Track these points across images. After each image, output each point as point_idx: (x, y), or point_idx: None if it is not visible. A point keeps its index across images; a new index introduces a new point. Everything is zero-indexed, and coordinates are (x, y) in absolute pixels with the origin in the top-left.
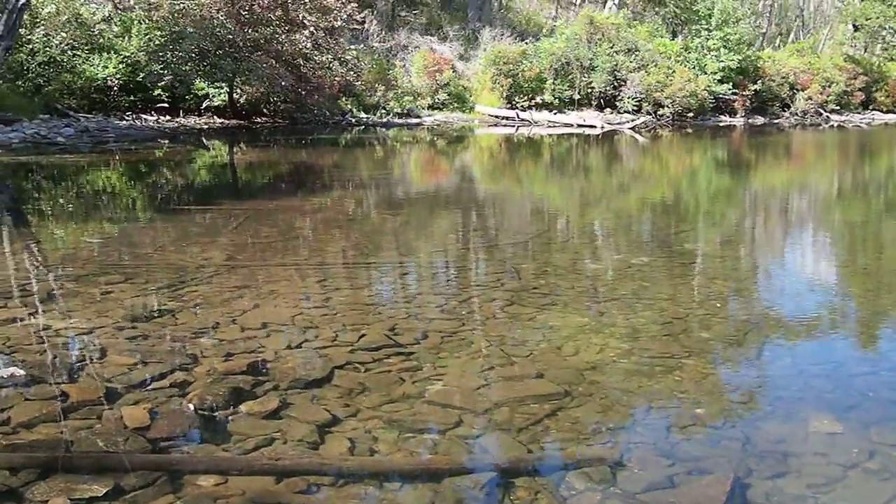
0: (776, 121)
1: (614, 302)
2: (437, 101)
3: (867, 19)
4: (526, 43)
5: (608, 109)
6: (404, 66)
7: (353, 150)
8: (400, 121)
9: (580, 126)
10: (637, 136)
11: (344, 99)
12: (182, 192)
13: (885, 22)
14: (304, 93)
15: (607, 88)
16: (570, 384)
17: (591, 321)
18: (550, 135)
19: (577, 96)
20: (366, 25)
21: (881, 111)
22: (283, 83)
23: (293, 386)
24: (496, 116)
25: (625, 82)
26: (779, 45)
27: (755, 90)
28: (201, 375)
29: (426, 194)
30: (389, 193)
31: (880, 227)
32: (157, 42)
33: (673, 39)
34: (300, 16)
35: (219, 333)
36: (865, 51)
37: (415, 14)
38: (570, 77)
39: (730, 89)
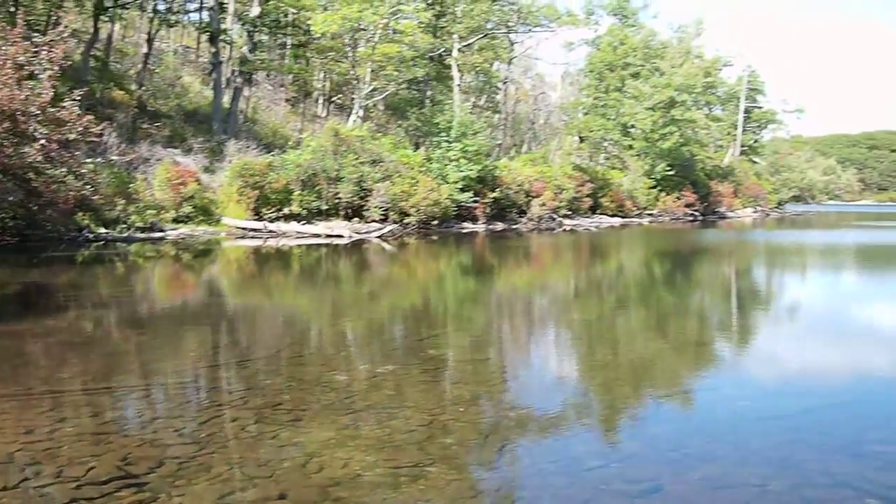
0: (515, 226)
1: (360, 413)
2: (181, 214)
3: (590, 131)
4: (272, 155)
5: (356, 219)
6: (146, 179)
7: (91, 267)
8: (142, 235)
9: (329, 236)
10: (385, 244)
11: (81, 214)
12: None
13: (605, 134)
14: (35, 208)
15: (354, 198)
16: (313, 503)
17: (336, 435)
18: (299, 246)
19: (324, 206)
20: (104, 138)
21: (607, 215)
22: (10, 198)
23: None
24: (244, 228)
25: (371, 192)
26: (514, 156)
27: (494, 198)
28: None
29: (170, 311)
30: (131, 311)
31: (614, 323)
32: None
33: (415, 150)
34: (31, 128)
35: None
36: (591, 160)
37: (157, 126)
38: (318, 188)
39: (471, 197)
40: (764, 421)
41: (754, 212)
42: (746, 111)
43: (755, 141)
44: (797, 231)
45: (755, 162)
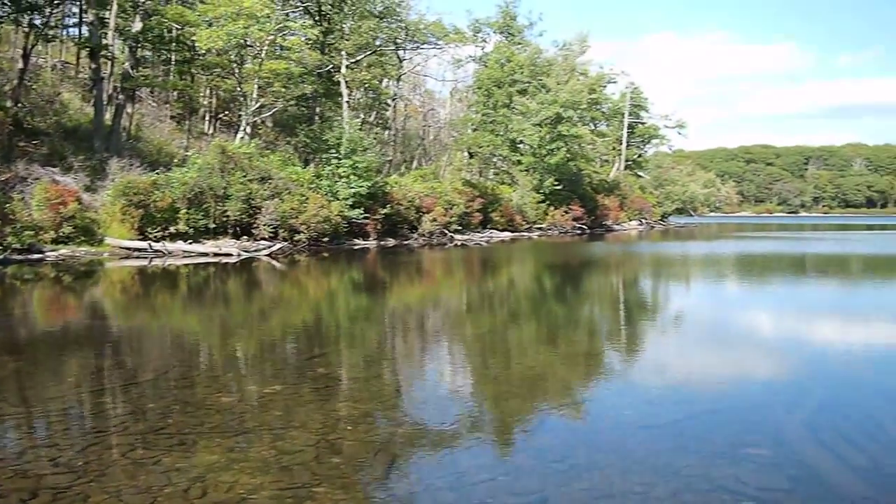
0: (406, 242)
1: (247, 435)
2: (61, 235)
3: (480, 147)
4: (157, 172)
5: (245, 237)
6: (23, 199)
7: None
8: (19, 257)
9: (217, 255)
10: (274, 262)
11: None
12: None
13: (494, 149)
14: None
15: (243, 216)
16: None
17: (222, 458)
18: (186, 265)
19: (212, 225)
20: None
21: (498, 230)
22: None
23: None
24: (128, 248)
25: (260, 210)
26: (404, 172)
27: (385, 214)
28: None
29: (50, 335)
30: (6, 336)
31: (505, 336)
32: None
33: (305, 167)
34: None
35: None
36: (480, 175)
37: (34, 144)
38: (205, 206)
39: (361, 214)
40: (647, 429)
41: (640, 224)
42: (630, 127)
43: (639, 155)
44: (680, 242)
45: (640, 176)
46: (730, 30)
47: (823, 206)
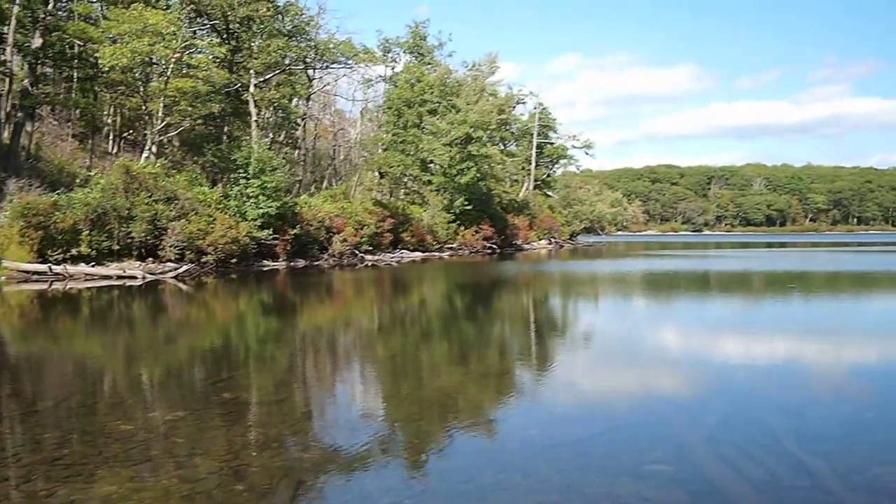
0: (316, 262)
1: (147, 464)
2: None
3: (390, 167)
4: (58, 193)
5: (150, 259)
6: None
7: None
8: None
9: (121, 277)
10: (181, 284)
11: None
12: None
13: (405, 169)
14: None
15: (148, 238)
16: None
17: (120, 489)
18: (89, 288)
19: (116, 247)
20: None
21: (409, 249)
22: None
23: None
24: (27, 272)
25: (166, 231)
26: (314, 192)
27: (295, 234)
28: None
29: None
30: None
31: (416, 356)
32: None
33: (213, 187)
34: None
35: None
36: (391, 195)
37: None
38: (108, 227)
39: (271, 234)
40: (553, 448)
41: (549, 243)
42: (539, 147)
43: (548, 175)
44: (589, 261)
45: (549, 195)
46: (635, 52)
47: (726, 224)
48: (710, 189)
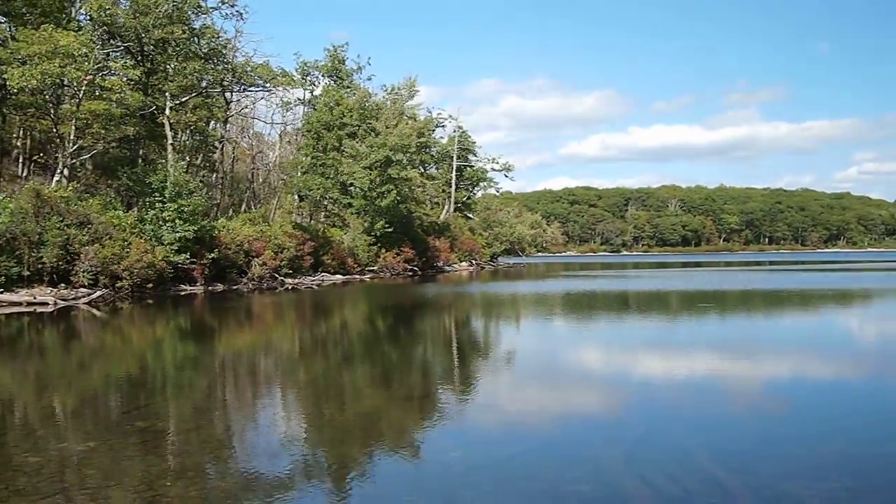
0: (235, 287)
1: (55, 497)
2: None
3: (310, 190)
4: None
5: (63, 285)
6: None
7: None
8: None
9: (31, 304)
10: (95, 311)
11: None
12: None
13: (325, 192)
14: None
15: (60, 263)
16: None
17: None
18: None
19: (26, 272)
20: None
21: (329, 273)
22: None
23: None
24: None
25: (78, 256)
26: (233, 215)
27: (213, 258)
28: None
29: None
30: None
31: (339, 380)
32: None
33: (128, 211)
34: None
35: None
36: (311, 218)
37: None
38: (18, 252)
39: (188, 258)
40: (474, 470)
41: (470, 265)
42: (459, 170)
43: (468, 198)
44: (510, 282)
45: (469, 217)
46: (553, 77)
47: (643, 244)
48: (627, 210)
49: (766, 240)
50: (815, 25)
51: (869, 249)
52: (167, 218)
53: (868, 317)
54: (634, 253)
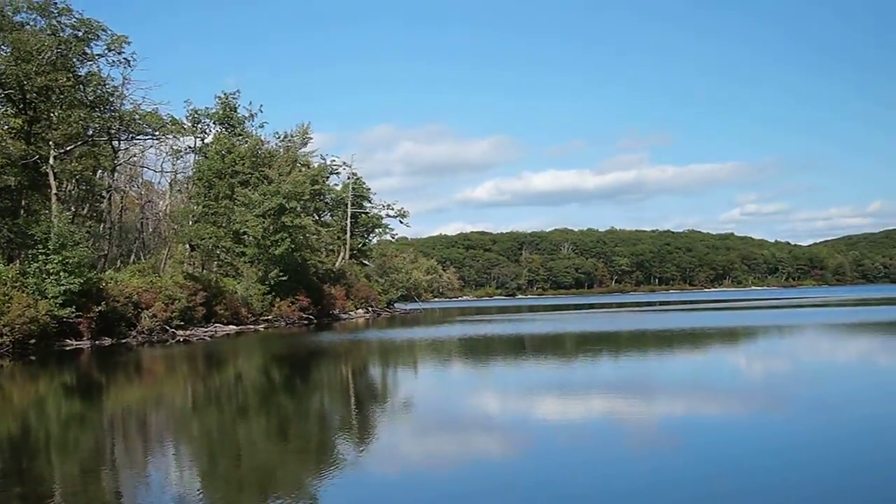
0: (124, 340)
1: None
2: None
3: (202, 239)
4: None
5: None
6: None
7: None
8: None
9: None
10: None
11: None
12: None
13: (217, 241)
14: None
15: None
16: None
17: None
18: None
19: None
20: None
21: (223, 323)
22: None
23: None
24: None
25: None
26: (121, 266)
27: (100, 311)
28: None
29: None
30: None
31: (234, 433)
32: None
33: (9, 264)
34: None
35: None
36: (203, 268)
37: None
38: None
39: (73, 312)
40: None
41: (366, 312)
42: (354, 216)
43: (364, 244)
44: (406, 329)
45: (365, 264)
46: (446, 123)
47: (538, 287)
48: (521, 254)
49: (657, 280)
50: (703, 72)
51: (753, 288)
52: (51, 270)
53: (751, 354)
54: (529, 296)
